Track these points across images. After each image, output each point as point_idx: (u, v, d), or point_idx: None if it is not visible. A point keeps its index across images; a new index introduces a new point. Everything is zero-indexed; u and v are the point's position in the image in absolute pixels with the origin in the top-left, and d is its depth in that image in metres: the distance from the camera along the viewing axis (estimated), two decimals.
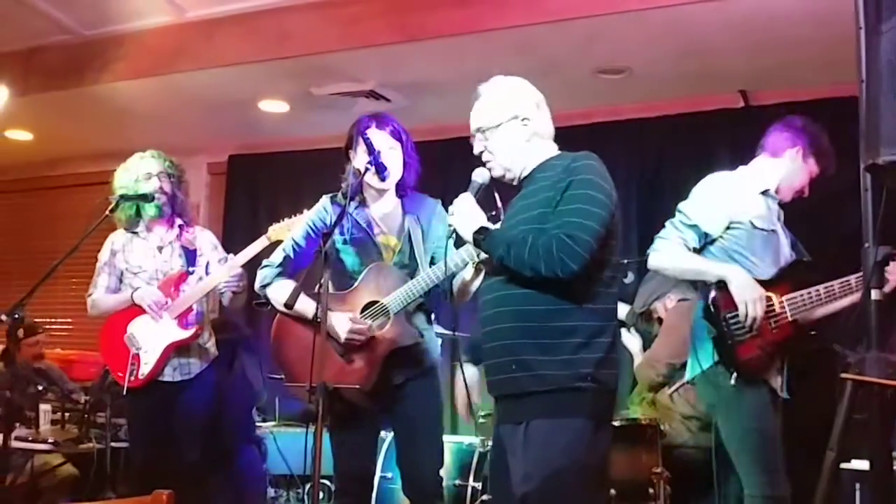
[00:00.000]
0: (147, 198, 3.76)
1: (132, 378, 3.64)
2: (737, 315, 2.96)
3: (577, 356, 2.31)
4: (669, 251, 3.08)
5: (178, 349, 3.71)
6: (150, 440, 3.75)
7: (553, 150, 2.55)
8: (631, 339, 4.41)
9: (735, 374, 2.97)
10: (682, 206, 3.13)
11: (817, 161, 3.17)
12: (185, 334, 3.69)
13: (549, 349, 2.32)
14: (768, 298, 2.99)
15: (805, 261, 3.15)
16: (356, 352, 3.01)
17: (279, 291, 3.07)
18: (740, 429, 3.00)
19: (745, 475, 2.99)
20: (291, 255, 3.17)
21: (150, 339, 3.68)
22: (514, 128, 2.50)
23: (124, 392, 3.67)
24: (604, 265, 2.37)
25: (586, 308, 2.34)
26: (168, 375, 3.70)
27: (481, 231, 2.45)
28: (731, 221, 3.06)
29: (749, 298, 2.93)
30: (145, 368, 3.65)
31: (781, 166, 3.17)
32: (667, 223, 3.14)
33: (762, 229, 3.07)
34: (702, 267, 3.05)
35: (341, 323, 2.97)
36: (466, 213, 2.50)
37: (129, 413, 3.87)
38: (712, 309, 3.01)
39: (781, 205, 3.21)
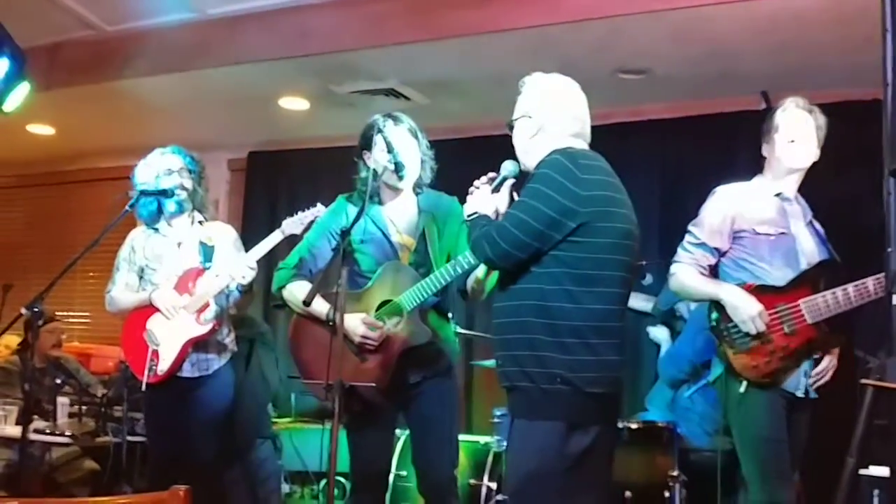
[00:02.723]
0: (167, 193, 3.77)
1: (151, 374, 3.65)
2: (737, 325, 2.97)
3: (550, 355, 2.32)
4: (681, 275, 3.12)
5: (197, 345, 3.72)
6: (167, 435, 3.75)
7: (562, 145, 2.49)
8: (659, 331, 4.39)
9: (745, 383, 2.96)
10: (690, 225, 3.15)
11: (794, 116, 3.09)
12: (203, 330, 3.69)
13: (529, 344, 2.36)
14: (777, 304, 2.96)
15: (829, 262, 3.08)
16: (370, 351, 3.02)
17: (296, 292, 3.09)
18: (746, 435, 3.00)
19: (749, 481, 2.98)
20: (307, 257, 3.17)
21: (169, 335, 3.68)
22: (522, 124, 2.59)
23: (143, 388, 3.69)
24: (582, 263, 2.35)
25: (570, 308, 2.34)
26: (186, 371, 3.70)
27: (473, 216, 2.55)
28: (734, 231, 3.06)
29: (745, 317, 2.94)
30: (164, 364, 3.66)
31: (771, 154, 3.12)
32: (679, 247, 3.16)
33: (767, 234, 3.04)
34: (703, 289, 3.08)
35: (355, 325, 2.98)
36: (475, 199, 2.59)
37: (147, 408, 3.88)
38: (713, 322, 3.03)
39: (810, 203, 3.16)
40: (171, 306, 3.67)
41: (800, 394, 3.00)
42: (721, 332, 3.01)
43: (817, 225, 3.21)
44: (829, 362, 3.04)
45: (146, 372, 3.64)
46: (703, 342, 3.27)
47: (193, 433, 3.72)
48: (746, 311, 2.94)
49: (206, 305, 3.70)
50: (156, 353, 3.67)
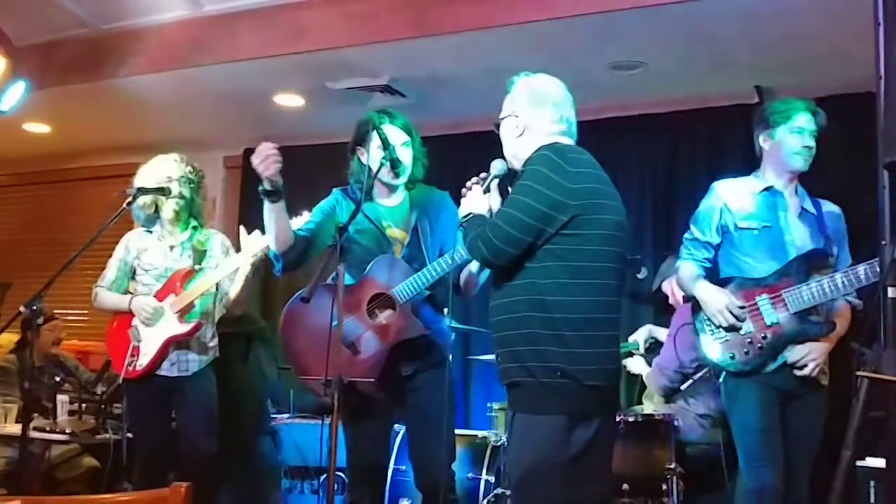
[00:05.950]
0: (164, 191, 3.80)
1: (130, 368, 3.72)
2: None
3: (549, 349, 2.34)
4: (681, 270, 3.26)
5: (178, 344, 3.76)
6: (148, 431, 3.83)
7: (549, 142, 2.51)
8: (637, 363, 4.33)
9: (724, 374, 3.10)
10: (690, 221, 3.27)
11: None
12: (183, 329, 3.74)
13: (527, 339, 2.38)
14: (758, 296, 3.03)
15: (817, 251, 3.09)
16: (363, 344, 3.03)
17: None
18: (733, 424, 3.12)
19: (740, 466, 3.08)
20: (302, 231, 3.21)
21: (151, 332, 3.75)
22: (509, 123, 2.63)
23: (120, 381, 3.78)
24: (576, 255, 2.38)
25: (566, 301, 2.36)
26: (165, 370, 3.77)
27: (469, 217, 2.59)
28: (720, 227, 3.16)
29: (713, 311, 3.08)
30: (143, 360, 3.72)
31: (777, 151, 3.14)
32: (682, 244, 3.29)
33: (749, 229, 3.11)
34: (688, 286, 3.22)
35: None
36: (468, 200, 2.63)
37: (127, 403, 3.97)
38: (695, 318, 3.20)
39: (803, 191, 3.20)
40: (148, 316, 3.72)
41: (800, 373, 3.03)
42: (696, 325, 3.17)
43: (825, 206, 3.20)
44: (807, 350, 3.01)
45: (125, 366, 3.72)
46: (686, 340, 3.34)
47: (181, 433, 3.79)
48: (714, 304, 3.07)
49: (191, 306, 3.74)
50: (136, 348, 3.74)
